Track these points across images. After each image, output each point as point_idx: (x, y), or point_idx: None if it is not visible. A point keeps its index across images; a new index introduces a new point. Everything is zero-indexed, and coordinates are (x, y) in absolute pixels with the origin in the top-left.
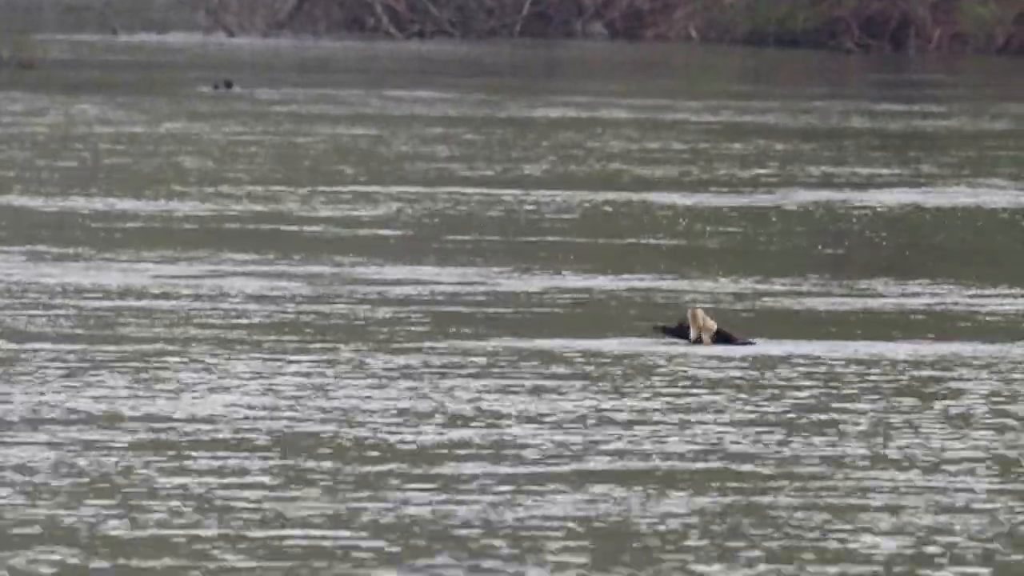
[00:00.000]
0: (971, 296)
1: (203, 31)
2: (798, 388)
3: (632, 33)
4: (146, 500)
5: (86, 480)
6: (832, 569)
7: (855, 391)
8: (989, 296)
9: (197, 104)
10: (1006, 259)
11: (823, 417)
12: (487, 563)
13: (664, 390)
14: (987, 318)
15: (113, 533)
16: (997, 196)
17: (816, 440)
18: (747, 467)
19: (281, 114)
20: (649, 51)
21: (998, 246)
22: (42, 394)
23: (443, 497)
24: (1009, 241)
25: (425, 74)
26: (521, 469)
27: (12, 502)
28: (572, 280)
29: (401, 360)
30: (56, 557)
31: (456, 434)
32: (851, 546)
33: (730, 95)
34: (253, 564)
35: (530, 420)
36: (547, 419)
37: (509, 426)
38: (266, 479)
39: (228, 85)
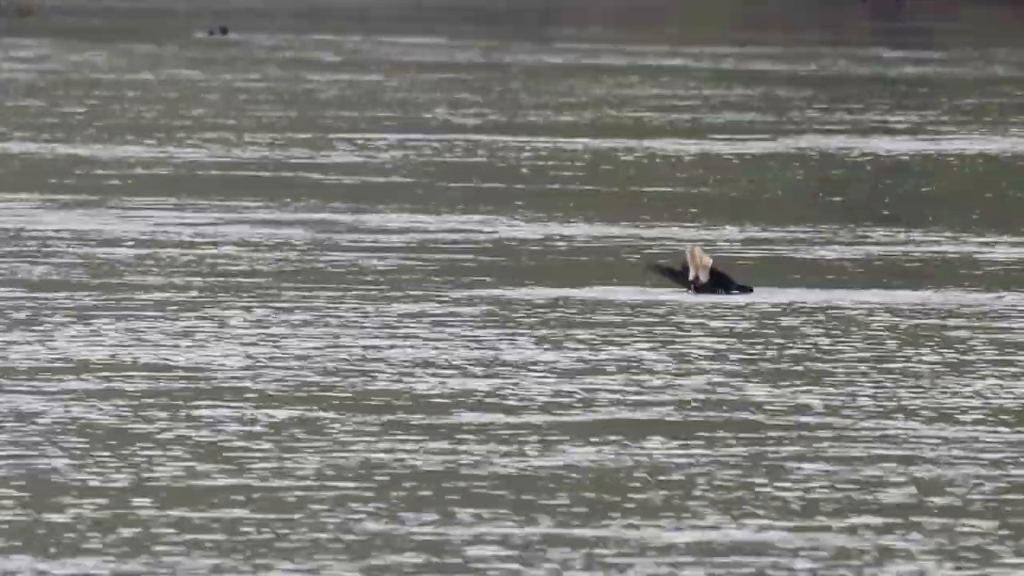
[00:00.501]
0: (973, 243)
1: None
2: (800, 336)
3: None
4: (149, 449)
5: (88, 429)
6: (838, 520)
7: (857, 339)
8: (992, 243)
9: (194, 50)
10: (1008, 206)
11: (824, 366)
12: (492, 512)
13: (666, 338)
14: (989, 265)
15: (116, 483)
16: (998, 143)
17: (818, 389)
18: (750, 416)
19: (279, 60)
20: None
21: (1000, 193)
22: (42, 342)
23: (447, 446)
24: (1011, 188)
25: (422, 21)
26: (524, 418)
27: (16, 452)
28: (574, 227)
29: (404, 308)
30: (61, 508)
31: (459, 383)
32: (855, 496)
33: (729, 42)
34: (258, 514)
35: (532, 368)
36: (549, 367)
37: (511, 375)
38: (269, 428)
39: (224, 31)
